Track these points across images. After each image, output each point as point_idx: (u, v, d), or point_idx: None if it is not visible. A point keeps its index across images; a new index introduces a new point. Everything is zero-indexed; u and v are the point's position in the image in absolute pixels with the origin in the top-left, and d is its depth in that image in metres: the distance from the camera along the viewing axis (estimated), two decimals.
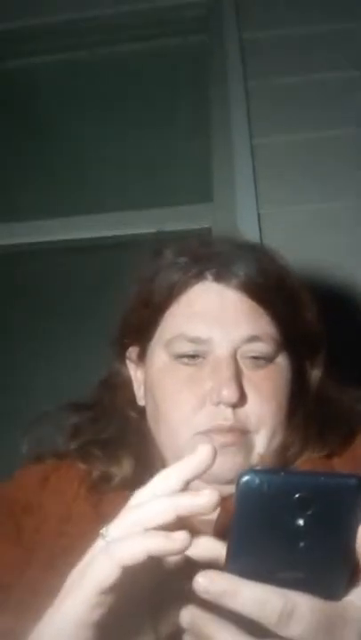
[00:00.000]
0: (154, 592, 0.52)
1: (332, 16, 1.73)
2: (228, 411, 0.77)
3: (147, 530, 0.47)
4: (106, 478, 0.82)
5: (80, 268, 1.69)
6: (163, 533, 0.46)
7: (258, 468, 0.77)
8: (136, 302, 0.86)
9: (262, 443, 0.79)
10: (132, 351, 0.89)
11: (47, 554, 0.76)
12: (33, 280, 1.71)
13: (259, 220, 1.49)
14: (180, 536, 0.46)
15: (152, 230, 1.57)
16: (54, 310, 1.66)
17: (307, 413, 0.84)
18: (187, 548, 0.47)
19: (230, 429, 0.77)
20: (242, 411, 0.77)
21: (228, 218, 1.51)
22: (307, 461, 0.81)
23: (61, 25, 1.99)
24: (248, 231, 1.46)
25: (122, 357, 0.90)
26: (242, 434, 0.77)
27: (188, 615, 0.49)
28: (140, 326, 0.86)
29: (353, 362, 1.26)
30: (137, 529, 0.47)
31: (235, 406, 0.77)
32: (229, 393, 0.76)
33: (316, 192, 1.53)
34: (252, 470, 0.46)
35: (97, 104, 1.93)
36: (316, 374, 0.87)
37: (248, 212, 1.51)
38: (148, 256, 0.88)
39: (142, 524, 0.48)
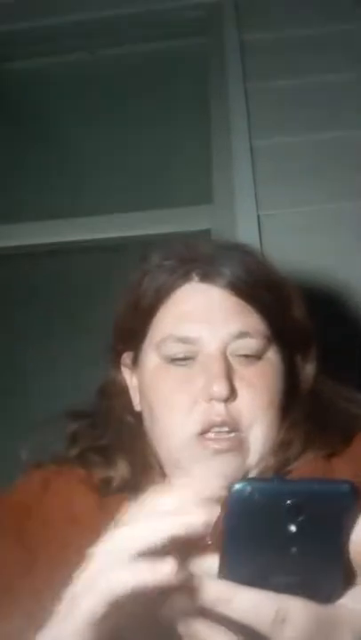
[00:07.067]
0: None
1: (332, 18, 1.73)
2: (221, 406, 0.78)
3: (132, 557, 0.46)
4: (105, 482, 0.82)
5: (80, 270, 1.69)
6: (148, 566, 0.45)
7: (250, 476, 0.77)
8: (126, 308, 0.88)
9: (257, 441, 0.79)
10: (127, 357, 0.90)
11: (51, 554, 0.76)
12: (33, 281, 1.71)
13: (258, 222, 1.49)
14: (166, 568, 0.45)
15: (152, 232, 1.58)
16: (54, 312, 1.66)
17: (306, 411, 0.84)
18: (172, 576, 0.45)
19: (223, 424, 0.78)
20: (234, 406, 0.78)
21: (228, 219, 1.51)
22: (307, 462, 0.81)
23: (62, 27, 1.99)
24: (248, 233, 1.46)
25: (117, 364, 0.91)
26: (236, 435, 0.78)
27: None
28: (131, 331, 0.87)
29: (352, 362, 1.26)
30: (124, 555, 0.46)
31: (227, 401, 0.78)
32: (220, 388, 0.77)
33: (316, 194, 1.53)
34: (243, 479, 0.46)
35: (97, 105, 1.93)
36: (309, 369, 0.88)
37: (248, 213, 1.51)
38: (136, 262, 0.89)
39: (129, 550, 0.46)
